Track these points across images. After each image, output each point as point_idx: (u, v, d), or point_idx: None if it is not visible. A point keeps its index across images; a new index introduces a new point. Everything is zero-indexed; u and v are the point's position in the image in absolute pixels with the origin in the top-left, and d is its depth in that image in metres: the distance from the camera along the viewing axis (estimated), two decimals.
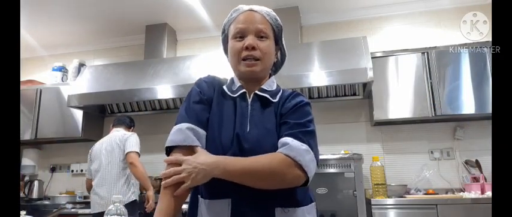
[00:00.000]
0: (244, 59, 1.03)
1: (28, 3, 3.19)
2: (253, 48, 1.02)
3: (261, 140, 0.97)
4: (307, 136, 0.96)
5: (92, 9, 3.37)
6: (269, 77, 1.12)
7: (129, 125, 2.93)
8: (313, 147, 0.95)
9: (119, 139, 2.71)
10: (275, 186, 0.92)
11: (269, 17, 1.08)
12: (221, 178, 0.91)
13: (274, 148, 0.95)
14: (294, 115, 1.00)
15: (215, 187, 0.96)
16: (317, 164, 0.96)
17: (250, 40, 1.02)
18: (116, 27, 3.73)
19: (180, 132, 0.97)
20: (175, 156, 0.96)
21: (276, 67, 1.17)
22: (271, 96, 1.06)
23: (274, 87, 1.10)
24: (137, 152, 2.66)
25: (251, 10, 1.07)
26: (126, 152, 2.64)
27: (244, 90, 1.06)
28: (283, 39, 1.13)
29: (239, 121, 1.01)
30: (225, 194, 0.95)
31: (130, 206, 2.53)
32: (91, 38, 3.97)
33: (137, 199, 2.68)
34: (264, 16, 1.07)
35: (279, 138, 0.97)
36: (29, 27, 3.66)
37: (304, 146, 0.93)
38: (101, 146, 2.74)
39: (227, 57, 1.13)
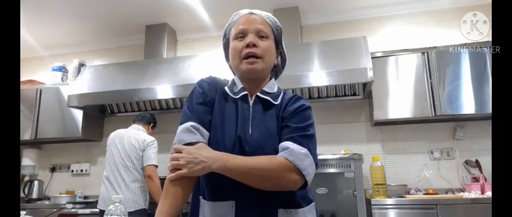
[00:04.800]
0: (246, 58, 1.03)
1: (28, 3, 3.19)
2: (254, 46, 1.02)
3: (262, 143, 0.98)
4: (307, 140, 0.97)
5: (92, 9, 3.37)
6: (270, 80, 1.12)
7: (149, 122, 2.86)
8: (313, 151, 0.97)
9: (138, 143, 2.61)
10: (272, 188, 0.93)
11: (269, 20, 1.09)
12: (224, 181, 0.92)
13: (275, 151, 0.96)
14: (295, 119, 1.01)
15: (219, 189, 0.97)
16: (316, 168, 0.96)
17: (251, 38, 1.03)
18: (116, 27, 3.73)
19: (189, 130, 0.98)
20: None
21: (276, 71, 1.17)
22: (272, 99, 1.06)
23: (276, 90, 1.10)
24: (156, 165, 2.59)
25: (251, 13, 1.09)
26: (145, 165, 2.57)
27: (246, 92, 1.07)
28: (283, 43, 1.14)
29: (241, 123, 1.01)
30: (229, 196, 0.96)
31: (140, 213, 2.52)
32: (91, 38, 3.97)
33: (146, 208, 2.61)
34: (264, 18, 1.09)
35: (280, 141, 0.98)
36: (29, 27, 3.66)
37: (304, 150, 0.94)
38: (117, 142, 2.65)
39: (228, 62, 1.14)
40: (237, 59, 1.05)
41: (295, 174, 0.92)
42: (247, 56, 1.03)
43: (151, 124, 2.90)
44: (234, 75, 1.14)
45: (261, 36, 1.05)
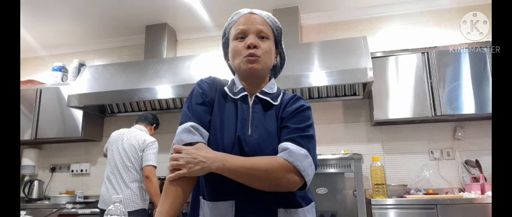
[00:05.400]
0: (245, 58, 1.03)
1: (28, 3, 3.19)
2: (255, 47, 1.02)
3: (262, 144, 0.98)
4: (307, 141, 0.97)
5: (92, 9, 3.37)
6: (269, 80, 1.12)
7: (151, 122, 2.87)
8: (312, 152, 0.97)
9: (138, 143, 2.61)
10: (271, 189, 0.93)
11: (269, 20, 1.09)
12: (224, 181, 0.92)
13: (275, 152, 0.96)
14: (294, 119, 1.01)
15: (218, 189, 0.97)
16: (315, 168, 0.97)
17: (251, 39, 1.03)
18: (116, 27, 3.73)
19: (188, 131, 0.98)
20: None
21: (275, 71, 1.17)
22: (272, 99, 1.06)
23: (275, 90, 1.10)
24: (154, 166, 2.59)
25: (251, 13, 1.08)
26: (143, 165, 2.57)
27: (245, 92, 1.07)
28: (283, 43, 1.14)
29: (240, 124, 1.01)
30: (229, 196, 0.96)
31: (140, 214, 2.53)
32: (91, 38, 3.97)
33: (146, 208, 2.62)
34: (265, 19, 1.08)
35: (279, 142, 0.98)
36: (29, 27, 3.66)
37: (303, 151, 0.94)
38: (119, 142, 2.66)
39: (227, 61, 1.14)
40: (237, 59, 1.05)
41: (294, 175, 0.92)
42: (247, 56, 1.03)
43: (154, 125, 2.91)
44: (234, 74, 1.14)
45: (261, 37, 1.05)
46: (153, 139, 2.70)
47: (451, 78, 2.76)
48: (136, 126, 2.81)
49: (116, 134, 2.75)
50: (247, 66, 1.03)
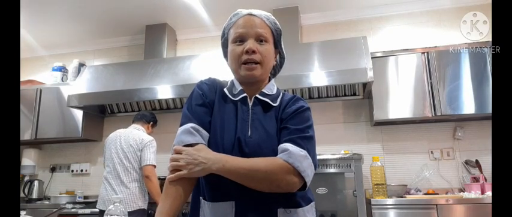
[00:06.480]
0: (244, 63, 1.03)
1: (28, 3, 3.19)
2: (253, 52, 1.02)
3: (261, 145, 0.98)
4: (306, 142, 0.97)
5: (92, 9, 3.37)
6: (268, 81, 1.12)
7: (148, 120, 2.86)
8: (312, 153, 0.97)
9: (136, 143, 2.61)
10: (270, 190, 0.93)
11: (268, 21, 1.08)
12: (224, 182, 0.92)
13: (274, 153, 0.96)
14: (294, 120, 1.01)
15: (219, 189, 0.97)
16: (315, 169, 0.97)
17: (250, 44, 1.02)
18: (116, 27, 3.73)
19: (189, 132, 0.98)
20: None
21: (275, 70, 1.17)
22: (271, 100, 1.06)
23: (275, 91, 1.10)
24: (154, 165, 2.58)
25: (250, 14, 1.07)
26: (143, 165, 2.56)
27: (245, 94, 1.07)
28: (282, 42, 1.14)
29: (240, 125, 1.01)
30: (229, 196, 0.96)
31: (140, 214, 2.53)
32: (91, 38, 3.97)
33: (145, 208, 2.61)
34: (264, 20, 1.07)
35: (279, 143, 0.98)
36: (29, 27, 3.66)
37: (303, 152, 0.94)
38: (116, 142, 2.65)
39: (227, 60, 1.13)
40: (236, 63, 1.05)
41: (294, 176, 0.92)
42: (246, 62, 1.03)
43: (151, 123, 2.89)
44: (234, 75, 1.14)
45: (260, 40, 1.04)
46: (151, 138, 2.69)
47: (451, 78, 2.76)
48: (133, 125, 2.81)
49: (112, 135, 2.74)
50: (246, 73, 1.03)
